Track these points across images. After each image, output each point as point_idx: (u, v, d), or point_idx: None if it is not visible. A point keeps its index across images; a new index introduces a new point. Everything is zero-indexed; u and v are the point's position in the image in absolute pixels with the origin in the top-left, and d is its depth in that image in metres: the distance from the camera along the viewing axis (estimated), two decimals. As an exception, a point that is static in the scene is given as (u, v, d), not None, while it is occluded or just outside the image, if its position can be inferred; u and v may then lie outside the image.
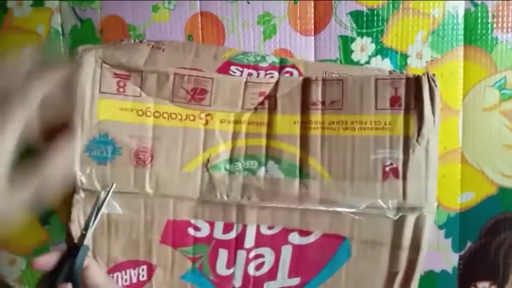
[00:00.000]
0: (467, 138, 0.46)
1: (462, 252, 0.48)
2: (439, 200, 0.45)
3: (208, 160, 0.41)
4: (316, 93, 0.40)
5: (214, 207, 0.42)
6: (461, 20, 0.45)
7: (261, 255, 0.43)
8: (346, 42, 0.46)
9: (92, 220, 0.39)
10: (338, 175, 0.40)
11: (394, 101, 0.40)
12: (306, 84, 0.41)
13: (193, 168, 0.40)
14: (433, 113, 0.40)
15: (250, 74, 0.41)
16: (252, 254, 0.43)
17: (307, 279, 0.43)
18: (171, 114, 0.40)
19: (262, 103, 0.41)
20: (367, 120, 0.40)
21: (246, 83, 0.40)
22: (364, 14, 0.45)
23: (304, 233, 0.42)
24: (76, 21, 0.46)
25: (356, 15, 0.45)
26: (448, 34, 0.45)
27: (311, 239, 0.42)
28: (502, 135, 0.46)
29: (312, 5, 0.45)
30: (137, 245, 0.42)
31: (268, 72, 0.42)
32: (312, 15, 0.45)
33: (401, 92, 0.40)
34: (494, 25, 0.44)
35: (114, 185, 0.39)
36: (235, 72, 0.41)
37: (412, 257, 0.41)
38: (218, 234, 0.42)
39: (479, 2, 0.44)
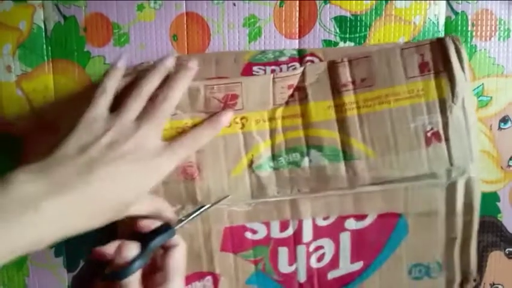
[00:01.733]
0: (445, 143, 0.47)
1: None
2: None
3: (252, 161, 0.41)
4: (345, 74, 0.40)
5: (267, 207, 0.42)
6: (441, 27, 0.46)
7: (321, 247, 0.43)
8: (329, 47, 0.46)
9: (195, 214, 0.40)
10: (382, 150, 0.40)
11: (423, 67, 0.40)
12: (333, 68, 0.41)
13: (240, 172, 0.41)
14: (463, 71, 0.40)
15: (273, 71, 0.41)
16: (311, 247, 0.43)
17: (370, 261, 0.43)
18: None
19: (292, 95, 0.41)
20: (400, 91, 0.40)
21: (273, 79, 0.40)
22: (348, 19, 0.46)
23: (359, 217, 0.42)
24: (59, 18, 0.46)
25: (340, 20, 0.46)
26: (429, 41, 0.46)
27: (367, 221, 0.42)
28: (478, 141, 0.47)
29: (297, 9, 0.46)
30: (199, 256, 0.42)
31: (290, 65, 0.42)
32: (297, 19, 0.46)
33: (428, 57, 0.40)
34: (474, 33, 0.46)
35: (230, 196, 0.41)
36: (258, 72, 0.41)
37: (467, 220, 0.42)
38: (275, 233, 0.43)
39: (459, 10, 0.45)
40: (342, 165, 0.40)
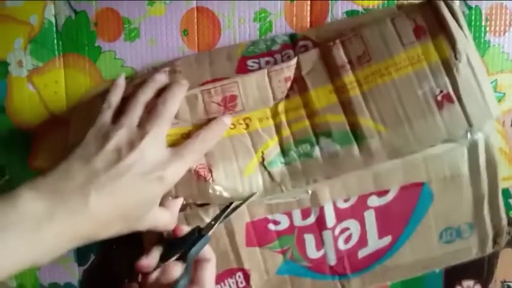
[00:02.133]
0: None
1: (450, 251, 0.48)
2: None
3: (263, 158, 0.40)
4: (340, 56, 0.39)
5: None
6: (454, 22, 0.45)
7: (347, 229, 0.42)
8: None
9: (224, 215, 0.40)
10: (394, 123, 0.38)
11: (418, 31, 0.38)
12: (326, 51, 0.40)
13: (253, 171, 0.40)
14: (461, 27, 0.38)
15: (267, 62, 0.41)
16: (337, 231, 0.42)
17: (399, 234, 0.42)
18: None
19: (291, 88, 0.40)
20: (399, 60, 0.38)
21: (268, 74, 0.40)
22: (360, 13, 0.45)
23: (381, 193, 0.41)
24: (70, 12, 0.46)
25: (352, 15, 0.45)
26: (441, 36, 0.45)
27: (390, 196, 0.41)
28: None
29: (309, 3, 0.45)
30: (227, 254, 0.42)
31: (284, 53, 0.41)
32: (308, 13, 0.45)
33: (421, 20, 0.39)
34: (487, 28, 0.45)
35: (257, 193, 0.40)
36: (253, 66, 0.41)
37: (491, 175, 0.41)
38: (298, 221, 0.42)
39: (473, 5, 0.45)
40: (354, 147, 0.39)
